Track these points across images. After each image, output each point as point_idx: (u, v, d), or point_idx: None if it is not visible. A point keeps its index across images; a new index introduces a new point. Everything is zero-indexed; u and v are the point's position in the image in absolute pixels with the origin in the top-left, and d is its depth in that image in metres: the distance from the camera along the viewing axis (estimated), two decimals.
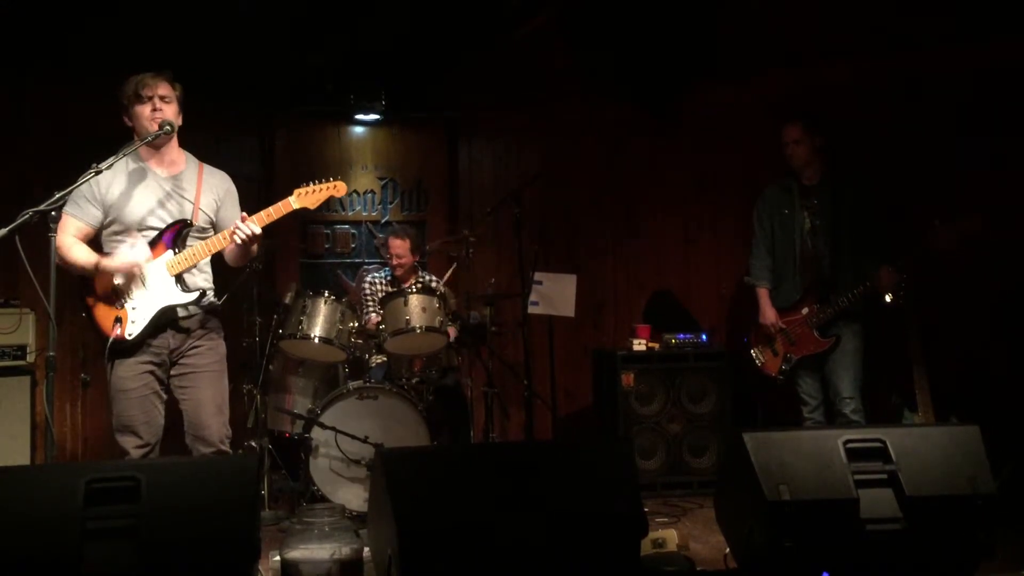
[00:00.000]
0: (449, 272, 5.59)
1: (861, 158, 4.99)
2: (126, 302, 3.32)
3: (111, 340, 3.27)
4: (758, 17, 5.48)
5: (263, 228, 3.36)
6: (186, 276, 3.38)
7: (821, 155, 4.58)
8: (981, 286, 4.83)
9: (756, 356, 4.75)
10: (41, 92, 5.25)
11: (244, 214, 3.34)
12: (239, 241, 3.31)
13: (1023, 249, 4.76)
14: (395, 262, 5.41)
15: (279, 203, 3.41)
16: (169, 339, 3.37)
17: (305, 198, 3.48)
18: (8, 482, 2.51)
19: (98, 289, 3.34)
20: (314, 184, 3.49)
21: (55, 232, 2.97)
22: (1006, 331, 4.79)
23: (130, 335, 3.29)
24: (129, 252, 3.32)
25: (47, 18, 4.86)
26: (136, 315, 3.30)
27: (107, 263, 3.31)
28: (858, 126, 5.20)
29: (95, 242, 3.41)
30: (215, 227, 3.51)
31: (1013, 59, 4.87)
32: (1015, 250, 4.77)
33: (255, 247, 3.45)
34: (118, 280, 3.31)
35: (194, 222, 3.41)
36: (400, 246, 5.42)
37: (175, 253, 3.35)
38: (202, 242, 3.39)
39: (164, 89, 3.36)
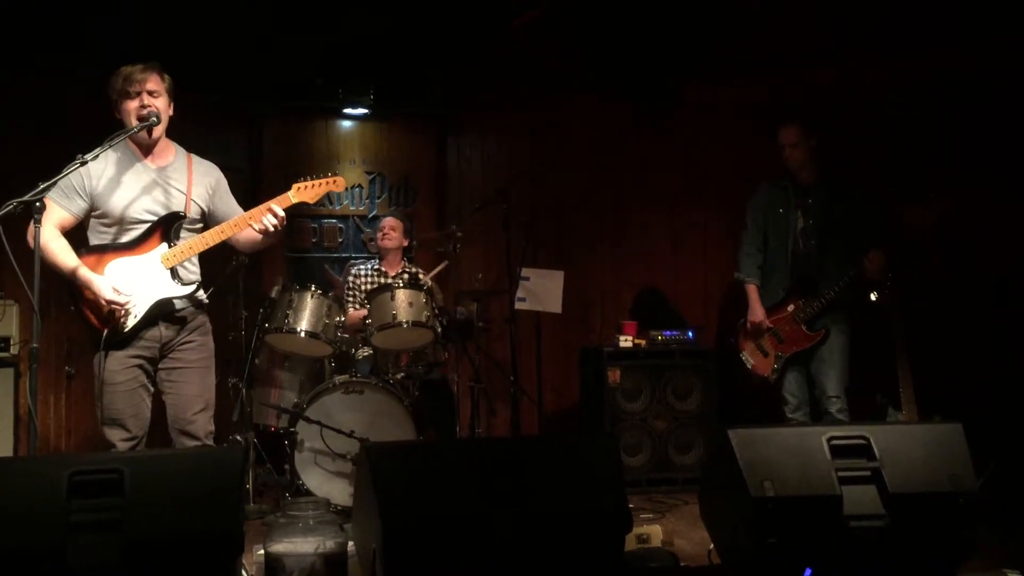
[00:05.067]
0: (439, 268, 5.56)
1: (851, 158, 5.02)
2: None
3: (105, 333, 3.24)
4: (750, 17, 5.50)
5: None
6: (180, 269, 3.36)
7: (816, 156, 4.59)
8: (966, 285, 4.87)
9: (746, 359, 4.72)
10: (26, 83, 5.22)
11: (272, 205, 3.31)
12: (270, 229, 3.30)
13: (1007, 249, 4.81)
14: (384, 239, 5.40)
15: (278, 197, 3.39)
16: (161, 331, 3.34)
17: (304, 193, 3.45)
18: None
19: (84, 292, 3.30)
20: (312, 179, 3.47)
21: (39, 223, 2.95)
22: (990, 330, 4.82)
23: (125, 328, 3.27)
24: (112, 283, 3.23)
25: (33, 10, 4.82)
26: (131, 308, 3.28)
27: (86, 276, 3.22)
28: (849, 126, 5.24)
29: (80, 228, 3.38)
30: (207, 218, 3.49)
31: (1004, 60, 4.92)
32: (999, 250, 4.82)
33: (273, 235, 3.40)
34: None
35: (187, 213, 3.39)
36: (394, 224, 5.43)
37: (170, 246, 3.34)
38: (199, 236, 3.37)
39: (153, 83, 3.31)
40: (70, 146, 3.10)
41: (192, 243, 3.35)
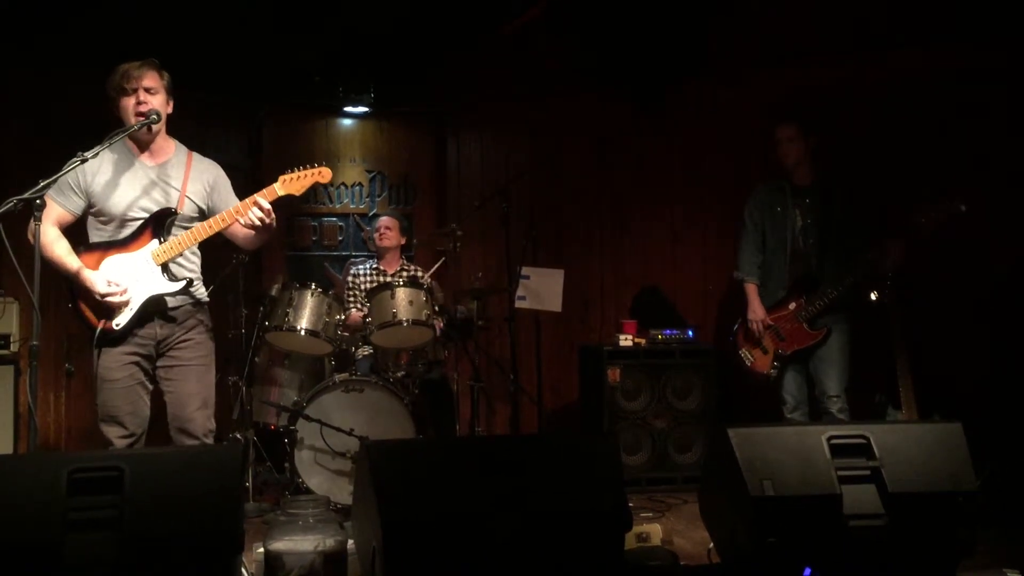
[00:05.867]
0: (436, 266, 5.57)
1: (850, 157, 5.02)
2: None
3: (99, 330, 3.25)
4: (750, 17, 5.50)
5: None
6: (172, 265, 3.35)
7: (813, 155, 4.58)
8: (966, 285, 4.87)
9: (745, 356, 4.71)
10: (24, 80, 5.21)
11: (257, 198, 3.28)
12: (257, 223, 3.27)
13: (1007, 249, 4.81)
14: (381, 238, 5.42)
15: (264, 190, 3.36)
16: (156, 329, 3.34)
17: (290, 184, 3.45)
18: None
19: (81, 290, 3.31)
20: (299, 170, 3.46)
21: (40, 220, 2.95)
22: (990, 329, 4.82)
23: (118, 325, 3.27)
24: (106, 276, 3.26)
25: (32, 7, 4.82)
26: (125, 302, 3.27)
27: (85, 276, 3.25)
28: (849, 126, 5.23)
29: (78, 225, 3.38)
30: (206, 216, 3.47)
31: (1003, 60, 4.92)
32: (998, 249, 4.82)
33: (265, 229, 3.36)
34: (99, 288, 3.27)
35: (179, 210, 3.37)
36: (389, 223, 5.46)
37: (160, 242, 3.33)
38: (187, 231, 3.35)
39: (150, 80, 3.31)
40: (69, 144, 3.10)
41: (181, 239, 3.33)
